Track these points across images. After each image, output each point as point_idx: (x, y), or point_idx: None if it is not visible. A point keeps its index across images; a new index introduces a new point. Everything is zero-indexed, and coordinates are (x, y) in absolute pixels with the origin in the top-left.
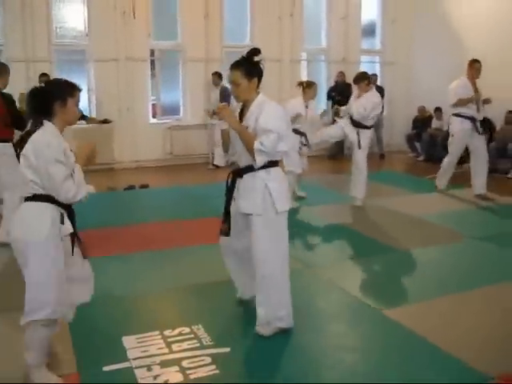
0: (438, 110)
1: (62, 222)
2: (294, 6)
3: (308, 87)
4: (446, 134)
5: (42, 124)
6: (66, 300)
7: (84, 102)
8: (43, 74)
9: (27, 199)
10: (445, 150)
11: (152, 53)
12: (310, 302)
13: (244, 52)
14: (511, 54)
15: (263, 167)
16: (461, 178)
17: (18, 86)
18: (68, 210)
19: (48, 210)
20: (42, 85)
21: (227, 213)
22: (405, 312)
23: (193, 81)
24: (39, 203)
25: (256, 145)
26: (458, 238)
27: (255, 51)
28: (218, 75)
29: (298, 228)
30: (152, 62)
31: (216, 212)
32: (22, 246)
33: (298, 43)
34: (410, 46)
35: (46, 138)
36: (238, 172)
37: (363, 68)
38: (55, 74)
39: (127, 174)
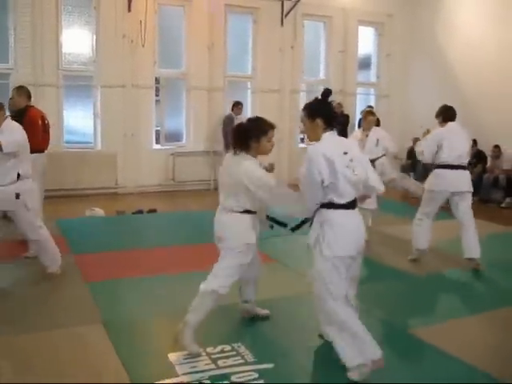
0: None
1: None
2: (294, 38)
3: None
4: None
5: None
6: None
7: (89, 127)
8: (20, 87)
9: None
10: None
11: (157, 80)
12: None
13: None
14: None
15: None
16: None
17: None
18: None
19: None
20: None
21: None
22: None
23: (196, 108)
24: None
25: None
26: (458, 265)
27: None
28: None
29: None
30: (157, 90)
31: None
32: None
33: (297, 74)
34: (405, 79)
35: None
36: None
37: (359, 100)
38: (62, 99)
39: (131, 198)
